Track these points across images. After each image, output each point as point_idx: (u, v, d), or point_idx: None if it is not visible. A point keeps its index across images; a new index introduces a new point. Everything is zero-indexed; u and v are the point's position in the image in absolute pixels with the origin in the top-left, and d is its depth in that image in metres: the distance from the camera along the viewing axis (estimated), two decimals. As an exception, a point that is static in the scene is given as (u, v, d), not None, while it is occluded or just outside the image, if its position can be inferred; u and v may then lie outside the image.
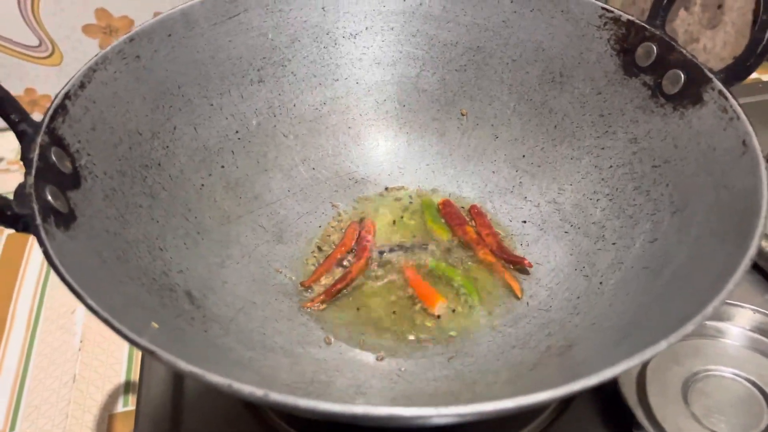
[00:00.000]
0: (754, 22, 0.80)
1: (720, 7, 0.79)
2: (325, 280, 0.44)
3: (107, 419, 0.56)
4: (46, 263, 0.69)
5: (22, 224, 0.29)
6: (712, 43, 0.81)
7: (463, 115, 0.51)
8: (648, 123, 0.42)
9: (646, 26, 0.42)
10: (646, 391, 0.40)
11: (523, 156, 0.49)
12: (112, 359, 0.60)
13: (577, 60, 0.46)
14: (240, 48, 0.47)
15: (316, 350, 0.39)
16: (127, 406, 0.57)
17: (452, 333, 0.42)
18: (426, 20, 0.50)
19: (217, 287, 0.40)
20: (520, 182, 0.49)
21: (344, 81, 0.51)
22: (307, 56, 0.49)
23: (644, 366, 0.41)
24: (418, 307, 0.43)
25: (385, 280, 0.45)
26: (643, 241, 0.40)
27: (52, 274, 0.68)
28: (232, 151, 0.47)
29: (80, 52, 0.85)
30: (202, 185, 0.44)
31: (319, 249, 0.47)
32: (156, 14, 0.86)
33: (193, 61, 0.44)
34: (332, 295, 0.43)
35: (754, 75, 0.39)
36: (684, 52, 0.40)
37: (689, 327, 0.26)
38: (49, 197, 0.30)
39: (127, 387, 0.59)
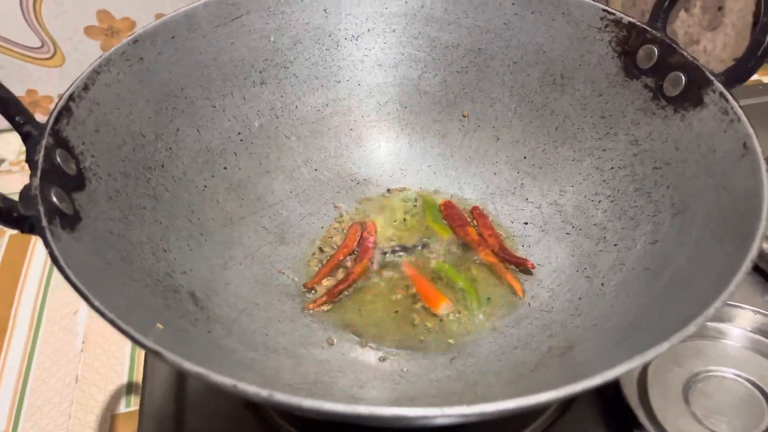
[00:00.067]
0: (755, 24, 0.80)
1: (720, 9, 0.79)
2: (327, 282, 0.45)
3: (110, 419, 0.56)
4: (48, 264, 0.69)
5: (27, 226, 0.29)
6: (712, 44, 0.81)
7: (464, 116, 0.51)
8: (649, 125, 0.42)
9: (648, 28, 0.42)
10: (647, 391, 0.40)
11: (525, 157, 0.49)
12: (114, 360, 0.61)
13: (578, 62, 0.46)
14: (242, 50, 0.47)
15: (318, 351, 0.40)
16: (129, 406, 0.57)
17: (454, 333, 0.42)
18: (428, 22, 0.50)
19: (220, 288, 0.40)
20: (522, 184, 0.49)
21: (346, 83, 0.51)
22: (309, 58, 0.50)
23: (645, 367, 0.41)
24: (419, 307, 0.43)
25: (387, 281, 0.45)
26: (644, 242, 0.40)
27: (55, 276, 0.68)
28: (235, 153, 0.47)
29: (82, 54, 0.86)
30: (205, 187, 0.44)
31: (321, 250, 0.47)
32: (157, 16, 0.86)
33: (195, 63, 0.44)
34: (334, 296, 0.43)
35: (754, 77, 0.40)
36: (685, 54, 0.40)
37: (691, 328, 0.26)
38: (55, 199, 0.31)
39: (129, 387, 0.59)
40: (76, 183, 0.34)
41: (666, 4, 0.42)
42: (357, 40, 0.51)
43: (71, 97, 0.35)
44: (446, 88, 0.51)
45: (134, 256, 0.35)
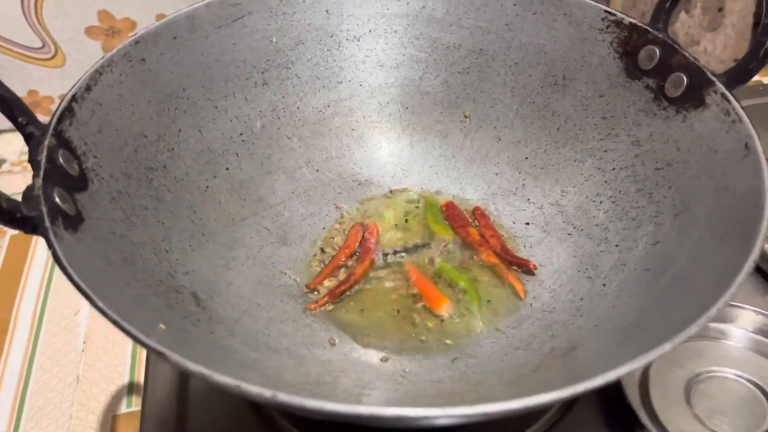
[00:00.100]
0: (755, 25, 0.81)
1: (720, 10, 0.79)
2: (329, 282, 0.45)
3: (111, 420, 0.56)
4: (49, 265, 0.69)
5: (30, 226, 0.29)
6: (713, 45, 0.81)
7: (466, 117, 0.52)
8: (650, 126, 0.42)
9: (649, 29, 0.42)
10: (648, 392, 0.40)
11: (526, 158, 0.49)
12: (115, 360, 0.61)
13: (579, 63, 0.46)
14: (244, 51, 0.47)
15: (320, 351, 0.40)
16: (130, 407, 0.57)
17: (455, 334, 0.42)
18: (429, 23, 0.50)
19: (223, 289, 0.40)
20: (523, 184, 0.49)
21: (348, 83, 0.51)
22: (310, 59, 0.50)
23: (647, 367, 0.41)
24: (421, 308, 0.43)
25: (389, 282, 0.45)
26: (646, 243, 0.40)
27: (55, 277, 0.68)
28: (237, 154, 0.47)
29: (83, 54, 0.86)
30: (207, 187, 0.44)
31: (322, 251, 0.47)
32: (158, 16, 0.86)
33: (197, 64, 0.45)
34: (336, 296, 0.43)
35: (755, 78, 0.40)
36: (686, 55, 0.40)
37: (693, 328, 0.26)
38: (57, 199, 0.31)
39: (130, 388, 0.59)
40: (78, 183, 0.34)
41: (668, 5, 0.42)
42: (359, 40, 0.51)
43: (74, 98, 0.35)
44: (448, 89, 0.51)
45: (136, 257, 0.35)
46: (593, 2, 0.45)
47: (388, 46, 0.51)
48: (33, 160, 0.31)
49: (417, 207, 0.50)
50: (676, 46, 0.41)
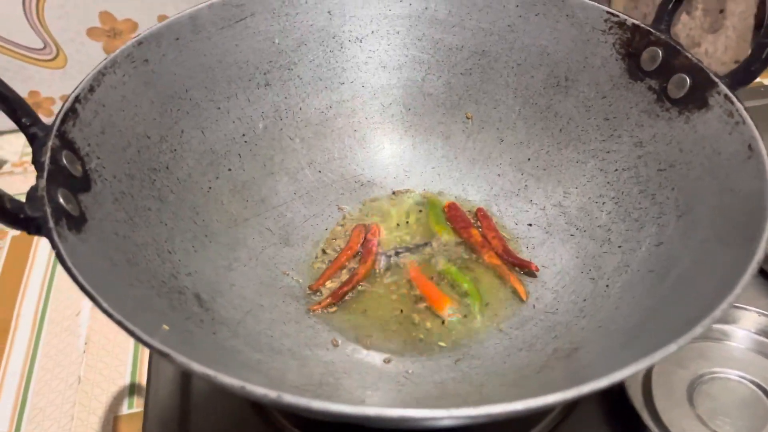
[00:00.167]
0: (756, 26, 0.81)
1: (722, 11, 0.79)
2: (331, 283, 0.45)
3: (112, 421, 0.56)
4: (50, 266, 0.69)
5: (34, 227, 0.29)
6: (714, 47, 0.81)
7: (468, 118, 0.52)
8: (653, 127, 0.42)
9: (652, 30, 0.42)
10: (651, 393, 0.40)
11: (529, 159, 0.49)
12: (117, 361, 0.61)
13: (582, 64, 0.46)
14: (247, 52, 0.47)
15: (323, 352, 0.40)
16: (132, 408, 0.57)
17: (458, 335, 0.42)
18: (431, 24, 0.50)
19: (225, 290, 0.40)
20: (526, 185, 0.49)
21: (350, 84, 0.51)
22: (313, 60, 0.50)
23: (650, 369, 0.41)
24: (423, 309, 0.43)
25: (391, 283, 0.45)
26: (649, 244, 0.40)
27: (57, 277, 0.68)
28: (239, 155, 0.47)
29: (84, 55, 0.86)
30: (210, 188, 0.44)
31: (325, 252, 0.47)
32: (160, 17, 0.86)
33: (200, 65, 0.45)
34: (339, 297, 0.43)
35: (757, 79, 0.40)
36: (689, 56, 0.40)
37: (698, 329, 0.26)
38: (61, 200, 0.31)
39: (132, 389, 0.59)
40: (81, 184, 0.34)
41: (670, 6, 0.42)
42: (361, 42, 0.51)
43: (77, 99, 0.35)
44: (450, 90, 0.51)
45: (139, 258, 0.35)
46: (596, 3, 0.45)
47: (391, 47, 0.51)
48: (36, 161, 0.31)
49: (419, 208, 0.50)
50: (678, 47, 0.41)
